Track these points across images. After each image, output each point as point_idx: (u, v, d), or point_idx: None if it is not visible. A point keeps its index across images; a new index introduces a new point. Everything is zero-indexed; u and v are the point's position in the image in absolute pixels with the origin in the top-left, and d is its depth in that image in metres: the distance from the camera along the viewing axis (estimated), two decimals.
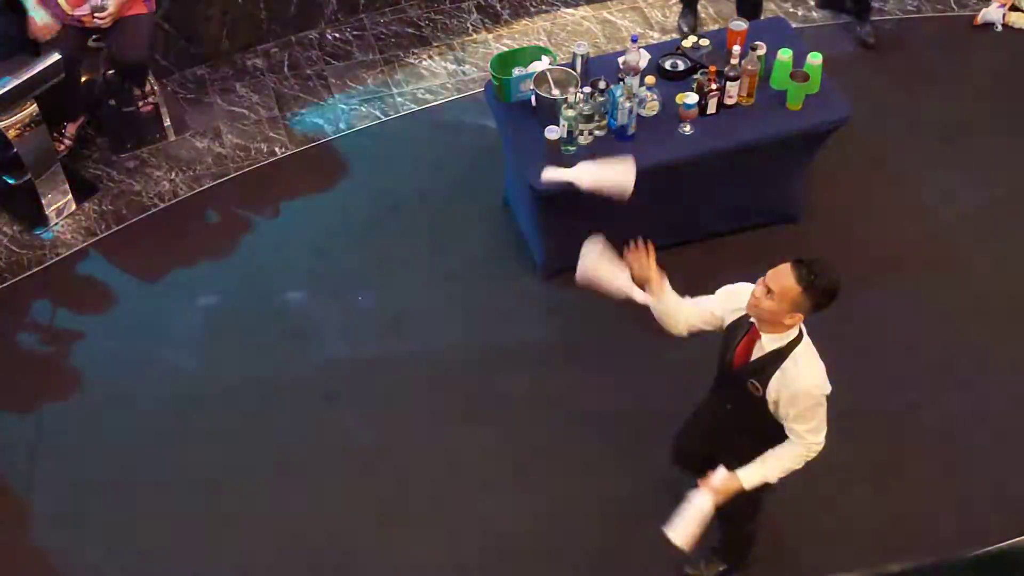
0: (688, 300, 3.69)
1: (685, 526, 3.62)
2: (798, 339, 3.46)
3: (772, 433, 3.58)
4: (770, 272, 3.37)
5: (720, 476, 3.61)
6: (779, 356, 3.44)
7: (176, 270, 5.39)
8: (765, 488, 3.74)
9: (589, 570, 4.42)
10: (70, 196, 5.55)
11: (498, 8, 6.61)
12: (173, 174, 5.78)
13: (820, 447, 3.56)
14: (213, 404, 4.91)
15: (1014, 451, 4.75)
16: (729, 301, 3.60)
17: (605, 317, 5.17)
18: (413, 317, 5.21)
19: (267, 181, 5.76)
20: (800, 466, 3.61)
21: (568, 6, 6.61)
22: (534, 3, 6.63)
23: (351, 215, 5.61)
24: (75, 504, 4.61)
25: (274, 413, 4.88)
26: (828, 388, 3.49)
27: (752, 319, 3.48)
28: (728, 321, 3.60)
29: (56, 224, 5.52)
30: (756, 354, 3.49)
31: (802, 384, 3.43)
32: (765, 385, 3.46)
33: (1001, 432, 4.80)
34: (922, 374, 4.99)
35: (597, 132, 4.96)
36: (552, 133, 4.82)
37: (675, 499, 4.17)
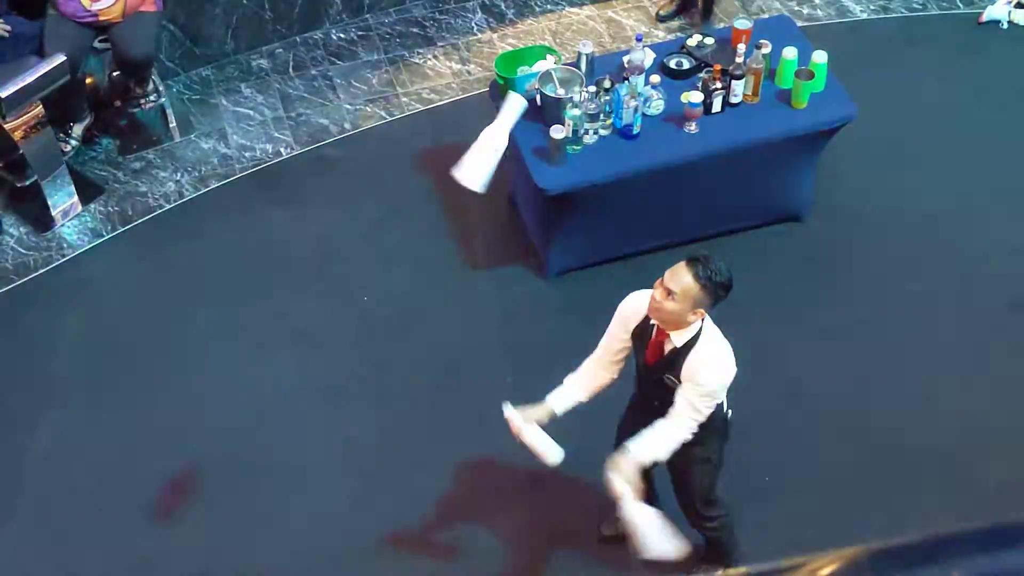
0: (587, 363, 3.84)
1: (651, 540, 3.61)
2: (701, 330, 3.55)
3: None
4: (667, 274, 3.46)
5: (619, 467, 3.62)
6: (687, 348, 3.54)
7: (182, 271, 5.40)
8: (712, 471, 3.89)
9: (595, 573, 4.43)
10: (76, 197, 5.56)
11: (503, 8, 6.61)
12: (179, 175, 5.79)
13: (702, 419, 3.60)
14: (215, 404, 4.91)
15: (1016, 450, 4.74)
16: (632, 316, 3.70)
17: (611, 318, 5.17)
18: (418, 317, 5.21)
19: (272, 182, 5.77)
20: (687, 436, 3.63)
21: (573, 5, 6.60)
22: (539, 2, 6.63)
23: (356, 215, 5.61)
24: (76, 506, 4.61)
25: (277, 413, 4.88)
26: (732, 373, 3.58)
27: (654, 322, 3.57)
28: (631, 330, 3.71)
29: (62, 225, 5.53)
30: (667, 350, 3.59)
31: (707, 370, 3.52)
32: (679, 377, 3.56)
33: (1002, 431, 4.79)
34: (925, 373, 4.99)
35: (602, 131, 4.96)
36: (557, 132, 4.82)
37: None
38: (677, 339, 3.55)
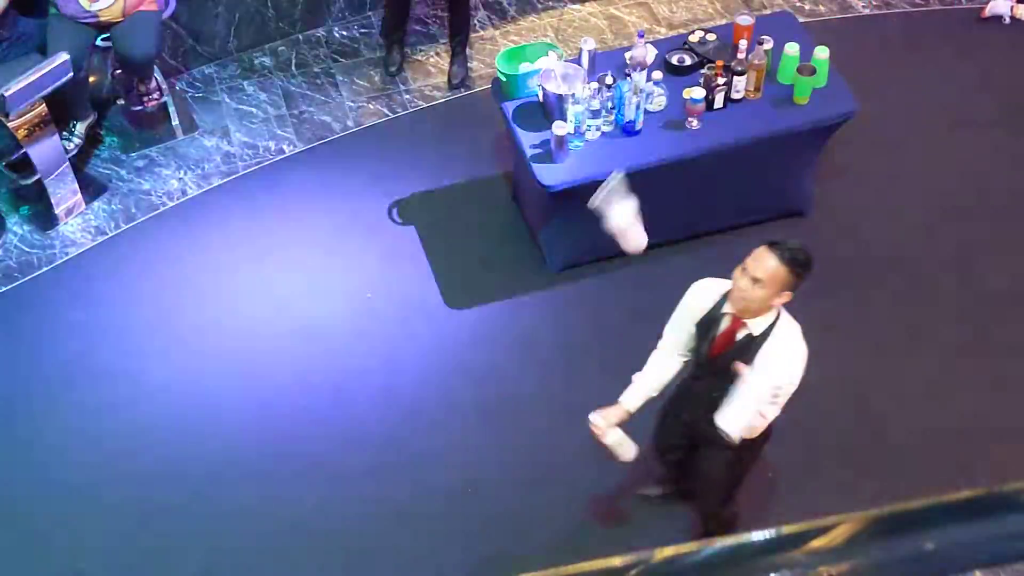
0: (654, 357, 3.78)
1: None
2: (779, 316, 3.52)
3: None
4: (749, 262, 3.42)
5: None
6: (764, 336, 3.50)
7: (185, 268, 5.41)
8: (742, 471, 3.89)
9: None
10: (79, 195, 5.57)
11: (505, 5, 6.61)
12: (182, 172, 5.80)
13: (765, 412, 3.55)
14: (219, 400, 4.93)
15: (1016, 450, 4.74)
16: (700, 306, 3.64)
17: (614, 313, 5.19)
18: (421, 313, 5.22)
19: (275, 179, 5.78)
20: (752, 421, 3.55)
21: (575, 2, 6.60)
22: None
23: (359, 212, 5.62)
24: (79, 503, 4.63)
25: (279, 409, 4.89)
26: (799, 378, 3.51)
27: (730, 311, 3.53)
28: (697, 321, 3.66)
29: (65, 223, 5.55)
30: (739, 337, 3.54)
31: (782, 363, 3.48)
32: (751, 363, 3.50)
33: (1003, 432, 4.79)
34: (925, 369, 4.99)
35: (604, 127, 4.97)
36: (559, 129, 4.82)
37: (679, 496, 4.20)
38: (756, 326, 3.50)
